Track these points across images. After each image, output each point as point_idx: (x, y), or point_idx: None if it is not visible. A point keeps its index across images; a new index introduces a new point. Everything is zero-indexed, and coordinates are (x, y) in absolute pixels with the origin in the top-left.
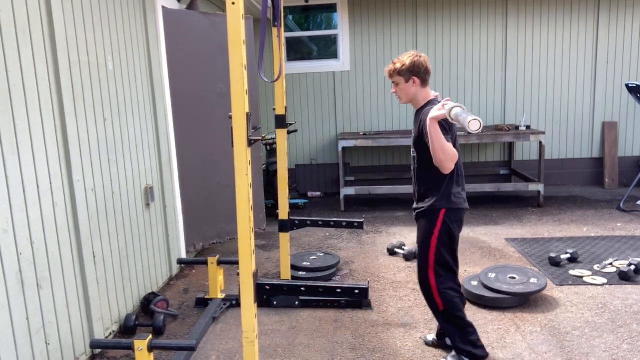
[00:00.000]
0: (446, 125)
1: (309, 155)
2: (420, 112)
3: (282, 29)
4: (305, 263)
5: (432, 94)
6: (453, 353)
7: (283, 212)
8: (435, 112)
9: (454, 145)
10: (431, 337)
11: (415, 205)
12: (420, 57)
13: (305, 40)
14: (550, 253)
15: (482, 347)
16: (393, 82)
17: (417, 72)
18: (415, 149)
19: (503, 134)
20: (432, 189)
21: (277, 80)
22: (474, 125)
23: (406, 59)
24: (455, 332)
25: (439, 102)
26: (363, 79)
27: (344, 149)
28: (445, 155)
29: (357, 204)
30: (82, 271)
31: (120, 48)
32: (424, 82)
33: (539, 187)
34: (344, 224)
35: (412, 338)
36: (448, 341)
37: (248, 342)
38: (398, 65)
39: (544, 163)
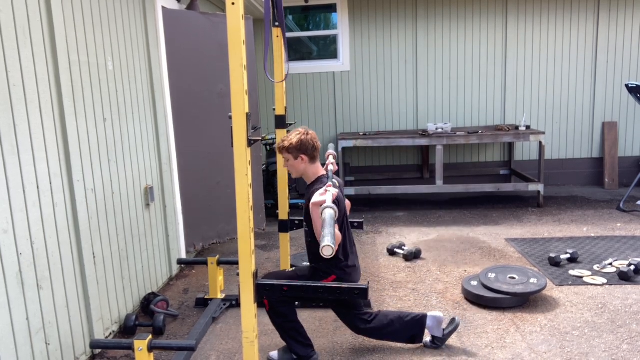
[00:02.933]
0: (336, 203)
1: None
2: (310, 189)
3: (284, 28)
4: (305, 263)
5: (328, 161)
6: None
7: (283, 212)
8: (316, 197)
9: (342, 220)
10: (429, 339)
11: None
12: (307, 134)
13: (305, 40)
14: (550, 253)
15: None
16: (284, 158)
17: (305, 150)
18: (306, 222)
19: (503, 134)
20: (323, 263)
21: (284, 80)
22: (326, 250)
23: (293, 137)
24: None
25: (328, 178)
26: (363, 79)
27: (343, 149)
28: None
29: (356, 204)
30: (82, 271)
31: (120, 48)
32: (313, 158)
33: (539, 187)
34: (349, 219)
35: None
36: (433, 332)
37: (248, 342)
38: (286, 144)
39: (544, 163)
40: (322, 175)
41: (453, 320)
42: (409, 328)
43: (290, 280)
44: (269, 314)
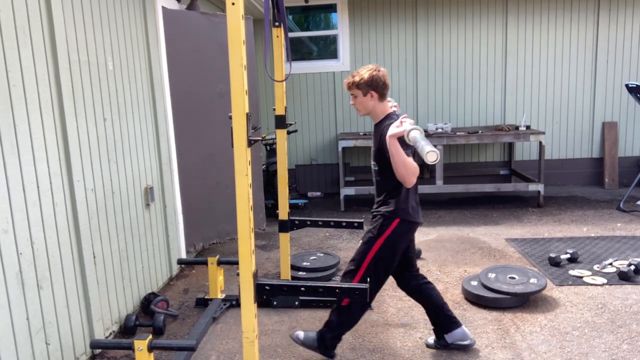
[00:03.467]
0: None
1: (309, 155)
2: (380, 126)
3: (286, 28)
4: (305, 263)
5: (391, 104)
6: (314, 336)
7: (283, 212)
8: (393, 129)
9: (413, 157)
10: (432, 339)
11: (373, 209)
12: (379, 71)
13: (305, 40)
14: (550, 253)
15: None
16: (351, 94)
17: (375, 86)
18: (376, 162)
19: (503, 134)
20: (391, 200)
21: (286, 79)
22: (431, 156)
23: (365, 72)
24: (335, 326)
25: (397, 116)
26: None
27: (344, 149)
28: (407, 170)
29: (357, 204)
30: (82, 271)
31: (120, 48)
32: (382, 96)
33: (539, 187)
34: (344, 224)
35: (412, 338)
36: (449, 339)
37: (248, 342)
38: (357, 79)
39: (544, 163)
40: (392, 112)
41: (472, 344)
42: (445, 322)
43: (365, 252)
44: (343, 308)
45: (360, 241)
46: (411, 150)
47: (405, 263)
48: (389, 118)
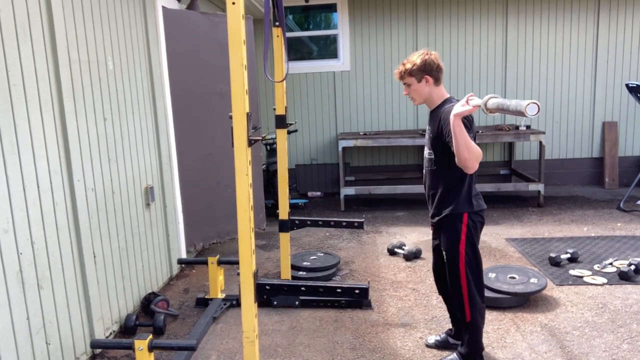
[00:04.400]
0: (468, 124)
1: (309, 155)
2: (438, 111)
3: (285, 28)
4: (305, 263)
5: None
6: (454, 356)
7: (283, 212)
8: (459, 107)
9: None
10: (432, 339)
11: (433, 211)
12: (430, 54)
13: (305, 40)
14: (550, 253)
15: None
16: (405, 84)
17: (430, 71)
18: (433, 150)
19: (503, 133)
20: (451, 192)
21: (284, 79)
22: (531, 109)
23: (416, 58)
24: (472, 342)
25: (457, 100)
26: (363, 79)
27: (344, 148)
28: (471, 154)
29: (357, 204)
30: (82, 271)
31: (120, 47)
32: (437, 80)
33: (539, 187)
34: (344, 223)
35: (412, 338)
36: (450, 340)
37: (248, 342)
38: (408, 66)
39: (544, 163)
40: (450, 97)
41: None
42: (475, 340)
43: (456, 264)
44: (468, 325)
45: (444, 257)
46: (473, 135)
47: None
48: (448, 102)
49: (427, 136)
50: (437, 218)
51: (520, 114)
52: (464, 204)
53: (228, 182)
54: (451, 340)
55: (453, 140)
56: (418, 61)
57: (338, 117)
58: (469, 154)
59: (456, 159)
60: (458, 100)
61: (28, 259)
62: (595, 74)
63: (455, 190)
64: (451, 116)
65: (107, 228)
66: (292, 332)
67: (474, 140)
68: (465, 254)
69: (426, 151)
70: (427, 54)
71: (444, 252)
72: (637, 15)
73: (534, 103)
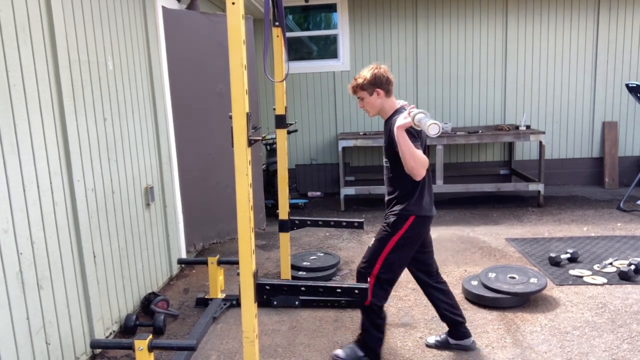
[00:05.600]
0: (414, 133)
1: (309, 155)
2: (389, 122)
3: (284, 28)
4: (305, 263)
5: (399, 102)
6: (351, 345)
7: (283, 212)
8: (401, 120)
9: (424, 152)
10: (432, 339)
11: (386, 211)
12: (380, 68)
13: (305, 40)
14: (550, 253)
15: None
16: (358, 98)
17: (380, 84)
18: (387, 158)
19: (503, 133)
20: (404, 197)
21: (284, 79)
22: (432, 129)
23: (367, 72)
24: (368, 329)
25: (405, 110)
26: None
27: (344, 148)
28: (416, 162)
29: (357, 204)
30: (82, 271)
31: (120, 48)
32: (388, 92)
33: (539, 187)
34: (344, 223)
35: (412, 338)
36: (451, 340)
37: (248, 342)
38: (360, 80)
39: (544, 163)
40: (401, 107)
41: (472, 345)
42: (457, 327)
43: (379, 251)
44: (365, 309)
45: (374, 238)
46: (421, 143)
47: (424, 257)
48: (399, 112)
49: (383, 145)
50: (386, 215)
51: (425, 131)
52: (413, 207)
53: (228, 182)
54: (451, 340)
55: (399, 150)
56: (368, 75)
57: (338, 117)
58: (414, 162)
59: (404, 167)
60: (406, 110)
61: (28, 259)
62: (595, 74)
63: (408, 195)
64: (395, 128)
65: (107, 228)
66: (292, 332)
67: (424, 148)
68: (394, 246)
69: (383, 159)
70: (377, 68)
71: (374, 238)
72: (637, 15)
73: (435, 124)
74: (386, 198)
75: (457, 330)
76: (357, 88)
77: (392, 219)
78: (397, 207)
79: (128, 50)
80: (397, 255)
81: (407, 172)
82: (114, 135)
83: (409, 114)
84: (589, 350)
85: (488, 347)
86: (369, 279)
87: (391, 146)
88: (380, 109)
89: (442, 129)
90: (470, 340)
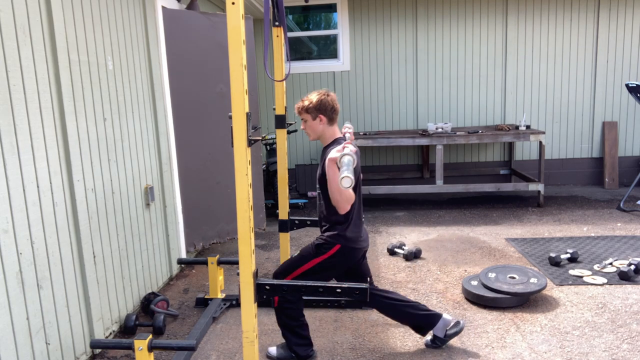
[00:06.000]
0: None
1: (309, 155)
2: (326, 150)
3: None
4: None
5: (347, 130)
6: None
7: (283, 212)
8: (334, 153)
9: (356, 185)
10: (431, 338)
11: (321, 230)
12: (328, 95)
13: (305, 40)
14: (550, 253)
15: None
16: (302, 119)
17: (324, 111)
18: (320, 186)
19: (503, 133)
20: (333, 225)
21: (285, 79)
22: (345, 182)
23: (314, 96)
24: (285, 327)
25: (344, 140)
26: (363, 79)
27: None
28: (342, 196)
29: None
30: (82, 271)
31: (120, 48)
32: (331, 120)
33: (539, 187)
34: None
35: (411, 338)
36: (436, 332)
37: (248, 342)
38: (306, 103)
39: (544, 163)
40: (340, 137)
41: (457, 322)
42: (421, 319)
43: (297, 265)
44: (276, 310)
45: (298, 250)
46: (356, 176)
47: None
48: (336, 142)
49: (318, 172)
50: (318, 236)
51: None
52: (340, 237)
53: (228, 182)
54: (436, 332)
55: (327, 182)
56: (315, 100)
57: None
58: (340, 196)
59: (330, 199)
60: (345, 141)
61: (28, 259)
62: (595, 74)
63: (337, 224)
64: (327, 160)
65: (107, 228)
66: None
67: (356, 183)
68: (311, 268)
69: (317, 185)
70: (326, 94)
71: (299, 250)
72: (637, 15)
73: (347, 177)
74: (319, 223)
75: (422, 321)
76: (302, 110)
77: (319, 241)
78: (327, 233)
79: (128, 50)
80: (310, 277)
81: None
82: (114, 135)
83: (343, 148)
84: (589, 350)
85: (488, 347)
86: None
87: (323, 175)
88: (320, 134)
89: (352, 182)
90: (447, 321)
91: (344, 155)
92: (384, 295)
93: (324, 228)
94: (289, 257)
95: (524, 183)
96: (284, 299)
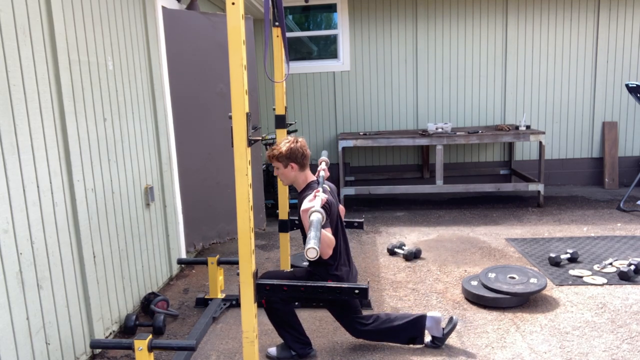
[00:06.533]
0: (327, 208)
1: None
2: (301, 195)
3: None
4: (305, 263)
5: (321, 166)
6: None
7: (283, 212)
8: (305, 203)
9: (336, 225)
10: (430, 339)
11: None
12: (297, 142)
13: (305, 40)
14: (550, 253)
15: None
16: (274, 167)
17: (294, 158)
18: (301, 231)
19: (503, 133)
20: (319, 264)
21: (285, 79)
22: (310, 252)
23: (282, 145)
24: (279, 328)
25: (319, 184)
26: (363, 79)
27: (344, 148)
28: (322, 243)
29: (357, 204)
30: (82, 271)
31: (120, 48)
32: (302, 166)
33: (539, 187)
34: (344, 223)
35: None
36: (432, 332)
37: (248, 342)
38: (276, 152)
39: (544, 163)
40: (312, 181)
41: (451, 319)
42: (408, 329)
43: (288, 280)
44: (266, 311)
45: (293, 267)
46: (331, 219)
47: (350, 311)
48: (309, 188)
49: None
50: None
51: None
52: (330, 276)
53: (228, 182)
54: (431, 332)
55: (306, 230)
56: (284, 149)
57: (338, 117)
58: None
59: None
60: (319, 184)
61: (28, 259)
62: (595, 74)
63: (326, 265)
64: (301, 212)
65: (106, 228)
66: None
67: (335, 225)
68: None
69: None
70: (294, 142)
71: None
72: (637, 15)
73: (313, 249)
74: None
75: (409, 329)
76: (273, 159)
77: (311, 269)
78: (317, 270)
79: (128, 50)
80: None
81: None
82: (114, 135)
83: (314, 196)
84: (589, 350)
85: (488, 347)
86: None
87: (301, 222)
88: (293, 180)
89: (317, 252)
90: (429, 318)
91: (312, 212)
92: (366, 325)
93: (312, 267)
94: (287, 257)
95: (524, 183)
96: (270, 300)
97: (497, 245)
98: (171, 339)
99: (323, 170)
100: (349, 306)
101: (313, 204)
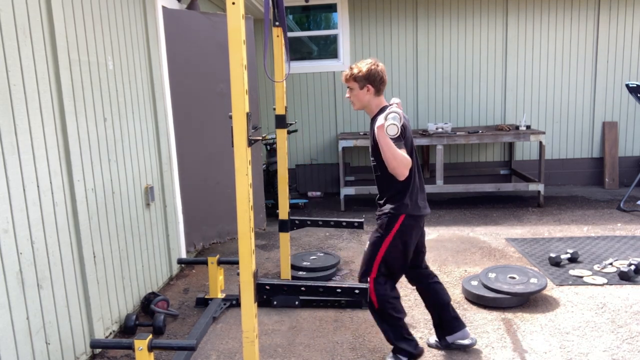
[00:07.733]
0: (403, 130)
1: (309, 155)
2: (374, 120)
3: (285, 28)
4: (305, 263)
5: (393, 100)
6: (391, 354)
7: (283, 212)
8: (381, 119)
9: (411, 151)
10: (433, 339)
11: (378, 209)
12: (377, 66)
13: (305, 40)
14: (550, 253)
15: (414, 340)
16: (348, 87)
17: (372, 81)
18: (373, 157)
19: (503, 133)
20: (393, 195)
21: (285, 79)
22: (391, 129)
23: (363, 65)
24: (389, 331)
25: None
26: None
27: (344, 148)
28: (397, 162)
29: (357, 204)
30: (82, 271)
31: (121, 48)
32: (378, 91)
33: (539, 187)
34: (344, 223)
35: None
36: (450, 339)
37: (248, 342)
38: (355, 71)
39: (544, 163)
40: (386, 106)
41: (471, 339)
42: (449, 320)
43: (372, 256)
44: (376, 313)
45: (368, 242)
46: (406, 142)
47: (416, 259)
48: (382, 111)
49: (370, 144)
50: (377, 215)
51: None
52: (404, 206)
53: (228, 182)
54: (449, 338)
55: (381, 150)
56: (364, 69)
57: (338, 117)
58: (396, 162)
59: (387, 166)
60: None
61: (28, 259)
62: (595, 74)
63: (398, 194)
64: (376, 128)
65: (107, 228)
66: (292, 332)
67: (410, 148)
68: (388, 247)
69: (371, 158)
70: (375, 64)
71: (368, 242)
72: (637, 15)
73: (393, 125)
74: (377, 197)
75: (450, 324)
76: (350, 78)
77: (383, 219)
78: (387, 207)
79: (128, 50)
80: (392, 256)
81: (390, 172)
82: (114, 135)
83: (388, 112)
84: (589, 350)
85: (488, 347)
86: (369, 288)
87: (376, 145)
88: (366, 104)
89: (398, 130)
90: (466, 333)
91: (389, 113)
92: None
93: (383, 201)
94: (287, 257)
95: (524, 183)
96: (384, 298)
97: (497, 245)
98: (171, 339)
99: (397, 104)
100: (420, 255)
101: (389, 119)
